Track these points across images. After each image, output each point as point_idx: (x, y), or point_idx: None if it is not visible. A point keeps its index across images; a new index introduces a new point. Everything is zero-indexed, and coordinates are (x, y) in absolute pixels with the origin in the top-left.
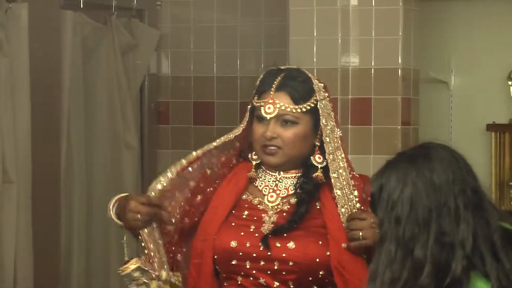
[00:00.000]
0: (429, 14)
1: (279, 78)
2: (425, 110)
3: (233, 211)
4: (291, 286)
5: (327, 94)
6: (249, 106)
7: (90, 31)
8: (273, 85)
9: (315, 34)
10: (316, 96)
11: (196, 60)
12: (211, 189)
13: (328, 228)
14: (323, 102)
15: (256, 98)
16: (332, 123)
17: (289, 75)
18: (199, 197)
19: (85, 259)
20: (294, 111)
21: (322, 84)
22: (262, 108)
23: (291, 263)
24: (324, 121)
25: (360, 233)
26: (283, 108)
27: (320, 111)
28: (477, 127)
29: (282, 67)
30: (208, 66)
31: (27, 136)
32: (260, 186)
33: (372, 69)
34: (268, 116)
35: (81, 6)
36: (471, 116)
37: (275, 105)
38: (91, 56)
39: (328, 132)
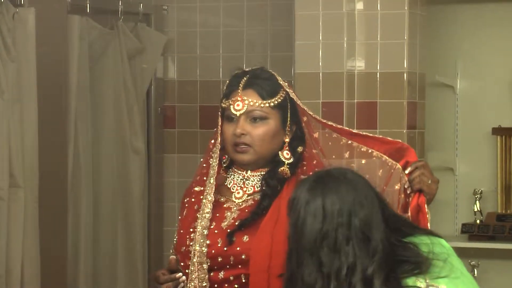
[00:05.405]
0: (435, 18)
1: (245, 78)
2: (431, 114)
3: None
4: (243, 280)
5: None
6: (219, 112)
7: (97, 35)
8: (240, 85)
9: (320, 38)
10: (282, 92)
11: (202, 65)
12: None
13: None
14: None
15: (224, 100)
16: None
17: (254, 75)
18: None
19: (92, 263)
20: (262, 105)
21: (286, 83)
22: (231, 106)
23: (243, 256)
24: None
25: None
26: (251, 103)
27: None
28: (483, 131)
29: (246, 69)
30: (214, 70)
31: (34, 140)
32: (229, 184)
33: (378, 73)
34: (238, 113)
35: (88, 11)
36: (477, 120)
37: (243, 101)
38: (98, 61)
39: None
